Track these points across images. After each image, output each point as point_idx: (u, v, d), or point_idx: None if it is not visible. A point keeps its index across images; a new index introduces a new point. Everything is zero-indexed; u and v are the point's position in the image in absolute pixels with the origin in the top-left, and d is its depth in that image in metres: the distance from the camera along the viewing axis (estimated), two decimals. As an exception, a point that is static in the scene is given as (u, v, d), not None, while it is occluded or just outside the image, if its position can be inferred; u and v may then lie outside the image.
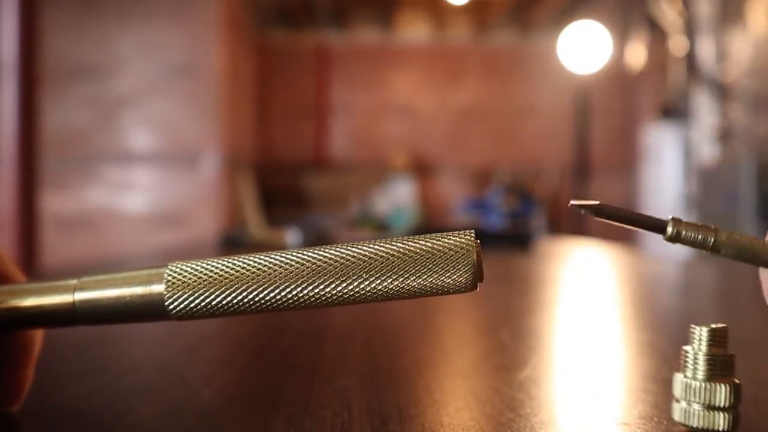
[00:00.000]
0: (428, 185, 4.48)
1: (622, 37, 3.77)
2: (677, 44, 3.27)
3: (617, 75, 4.14)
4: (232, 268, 0.19)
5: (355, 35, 4.51)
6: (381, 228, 2.61)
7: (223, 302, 0.19)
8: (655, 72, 3.88)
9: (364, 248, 0.18)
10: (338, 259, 0.18)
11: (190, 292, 0.19)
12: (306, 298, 0.18)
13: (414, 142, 4.49)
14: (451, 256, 0.18)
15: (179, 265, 0.19)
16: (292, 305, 0.18)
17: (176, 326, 0.45)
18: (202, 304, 0.19)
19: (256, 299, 0.18)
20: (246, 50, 3.85)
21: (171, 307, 0.19)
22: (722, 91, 3.00)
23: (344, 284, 0.18)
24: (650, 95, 4.15)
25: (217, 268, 0.19)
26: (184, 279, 0.19)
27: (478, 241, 0.18)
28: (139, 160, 3.17)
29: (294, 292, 0.18)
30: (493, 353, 0.36)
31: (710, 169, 2.95)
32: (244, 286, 0.18)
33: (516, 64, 4.57)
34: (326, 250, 0.18)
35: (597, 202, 0.19)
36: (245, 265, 0.19)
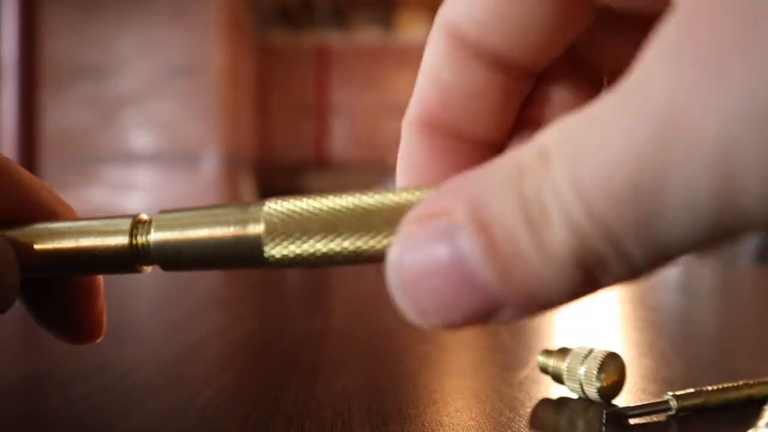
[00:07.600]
0: (428, 185, 4.48)
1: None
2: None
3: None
4: (341, 210, 0.15)
5: (355, 35, 4.51)
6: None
7: (330, 249, 0.15)
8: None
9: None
10: None
11: (295, 235, 0.15)
12: None
13: (414, 142, 4.49)
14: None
15: (280, 203, 0.16)
16: None
17: (177, 326, 0.45)
18: (307, 250, 0.15)
19: (363, 246, 0.15)
20: (246, 50, 3.84)
21: (270, 252, 0.16)
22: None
23: None
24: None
25: (323, 209, 0.15)
26: (286, 220, 0.15)
27: None
28: (139, 160, 3.17)
29: None
30: (493, 353, 0.36)
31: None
32: (355, 233, 0.15)
33: (516, 64, 4.57)
34: None
35: None
36: (354, 205, 0.15)
